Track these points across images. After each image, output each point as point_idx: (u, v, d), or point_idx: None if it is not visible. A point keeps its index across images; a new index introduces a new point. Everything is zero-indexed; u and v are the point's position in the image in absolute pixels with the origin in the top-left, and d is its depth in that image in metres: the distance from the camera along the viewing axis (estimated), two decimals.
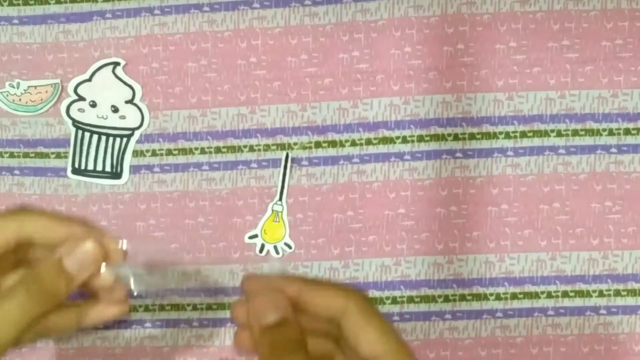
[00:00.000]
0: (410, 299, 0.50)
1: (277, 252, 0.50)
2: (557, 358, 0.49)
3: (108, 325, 0.51)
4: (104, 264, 0.38)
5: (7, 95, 0.51)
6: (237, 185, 0.51)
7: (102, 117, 0.51)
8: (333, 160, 0.50)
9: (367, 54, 0.50)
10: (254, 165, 0.50)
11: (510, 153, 0.50)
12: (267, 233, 0.50)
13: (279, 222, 0.50)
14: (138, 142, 0.51)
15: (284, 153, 0.50)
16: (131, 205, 0.51)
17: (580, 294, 0.49)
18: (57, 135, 0.52)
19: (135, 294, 0.39)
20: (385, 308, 0.50)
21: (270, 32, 0.50)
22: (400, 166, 0.50)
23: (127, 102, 0.51)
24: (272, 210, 0.50)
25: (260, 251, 0.50)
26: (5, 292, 0.35)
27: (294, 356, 0.35)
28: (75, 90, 0.51)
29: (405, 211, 0.50)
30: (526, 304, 0.50)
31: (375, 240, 0.50)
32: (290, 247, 0.50)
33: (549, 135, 0.49)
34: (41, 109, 0.51)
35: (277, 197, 0.50)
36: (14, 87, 0.51)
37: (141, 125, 0.51)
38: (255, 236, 0.50)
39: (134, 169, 0.51)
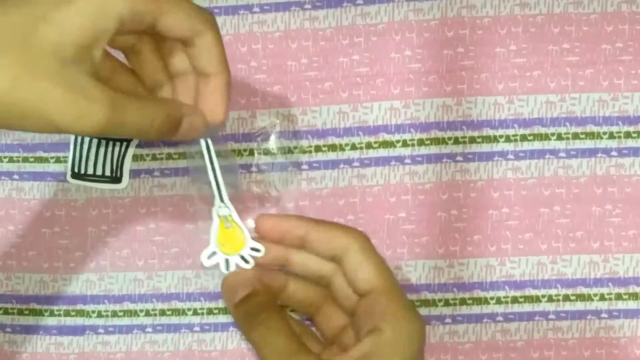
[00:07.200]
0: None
1: (247, 262, 0.43)
2: None
3: (109, 330, 0.51)
4: None
5: None
6: None
7: None
8: (333, 164, 0.50)
9: (367, 57, 0.50)
10: (254, 169, 0.50)
11: (510, 156, 0.49)
12: (225, 244, 0.42)
13: (231, 227, 0.43)
14: (138, 146, 0.51)
15: (202, 142, 0.41)
16: (131, 209, 0.51)
17: (582, 297, 0.49)
18: (57, 139, 0.51)
19: None
20: None
21: (270, 36, 0.50)
22: (401, 170, 0.50)
23: None
24: (219, 217, 0.43)
25: (227, 268, 0.43)
26: None
27: (266, 314, 0.40)
28: None
29: (406, 215, 0.50)
30: (527, 307, 0.49)
31: (375, 244, 0.49)
32: (258, 250, 0.42)
33: (550, 139, 0.49)
34: None
35: (217, 199, 0.43)
36: None
37: None
38: (214, 253, 0.43)
39: (134, 173, 0.51)
